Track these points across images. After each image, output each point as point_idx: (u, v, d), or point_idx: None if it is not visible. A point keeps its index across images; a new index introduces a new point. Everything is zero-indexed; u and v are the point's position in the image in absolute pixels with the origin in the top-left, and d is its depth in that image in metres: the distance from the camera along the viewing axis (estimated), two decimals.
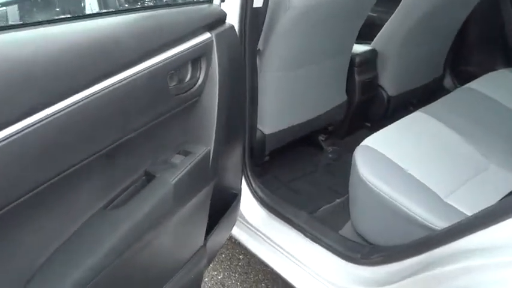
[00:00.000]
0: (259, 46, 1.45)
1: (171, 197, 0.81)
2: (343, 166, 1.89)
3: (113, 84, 0.71)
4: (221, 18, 1.03)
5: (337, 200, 1.68)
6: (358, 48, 1.93)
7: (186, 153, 0.90)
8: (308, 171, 1.87)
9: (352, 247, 1.24)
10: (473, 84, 1.91)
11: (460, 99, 1.78)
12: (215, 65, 0.95)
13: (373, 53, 1.98)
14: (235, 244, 1.86)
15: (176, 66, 0.85)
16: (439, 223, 1.12)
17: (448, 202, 1.21)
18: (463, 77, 2.36)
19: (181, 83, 0.89)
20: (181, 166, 0.86)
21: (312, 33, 1.53)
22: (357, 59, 1.91)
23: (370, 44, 2.02)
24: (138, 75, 0.75)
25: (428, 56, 2.15)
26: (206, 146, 0.94)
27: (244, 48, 1.27)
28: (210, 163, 0.95)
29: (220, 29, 1.01)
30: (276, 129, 1.62)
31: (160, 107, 0.82)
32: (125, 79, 0.73)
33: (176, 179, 0.82)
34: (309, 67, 1.63)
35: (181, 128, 0.92)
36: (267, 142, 1.61)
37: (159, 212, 0.79)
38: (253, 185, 1.46)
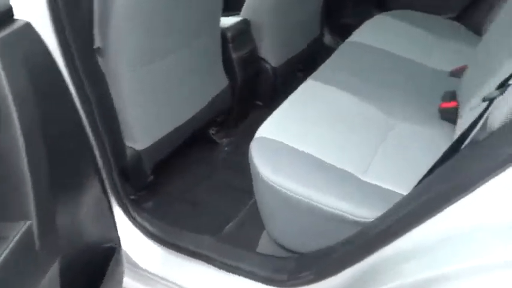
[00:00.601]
0: (98, 43, 1.11)
1: None
2: (243, 158, 1.66)
3: None
4: (3, 13, 0.67)
5: (249, 203, 1.42)
6: (228, 21, 1.67)
7: None
8: (206, 174, 1.60)
9: (276, 267, 1.00)
10: (354, 37, 1.78)
11: (345, 56, 1.62)
12: (3, 90, 0.61)
13: (246, 23, 1.73)
14: None
15: None
16: (366, 213, 0.92)
17: (368, 181, 1.02)
18: (342, 31, 2.24)
19: None
20: None
21: (161, 11, 1.22)
22: (229, 34, 1.64)
23: (240, 14, 1.77)
24: None
25: (303, 16, 1.98)
26: (24, 220, 0.60)
27: (69, 51, 0.92)
28: (38, 241, 0.61)
29: (5, 31, 0.66)
30: (151, 141, 1.31)
31: None
32: None
33: None
34: (171, 55, 1.32)
35: None
36: (143, 159, 1.29)
37: None
38: (138, 219, 1.14)
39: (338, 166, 1.05)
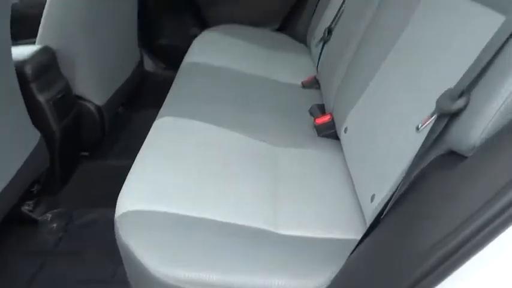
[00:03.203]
0: None
1: None
2: (82, 235, 1.23)
3: None
4: None
5: None
6: (22, 51, 1.20)
7: None
8: (32, 271, 1.10)
9: None
10: (188, 58, 1.56)
11: (189, 81, 1.37)
12: None
13: (48, 52, 1.29)
14: None
15: None
16: (313, 281, 0.68)
17: (290, 234, 0.78)
18: (162, 53, 1.98)
19: None
20: None
21: None
22: (28, 69, 1.19)
23: (34, 42, 1.32)
24: None
25: (121, 39, 1.63)
26: None
27: None
28: None
29: None
30: None
31: None
32: None
33: None
34: None
35: None
36: None
37: None
38: None
39: (245, 224, 0.78)
